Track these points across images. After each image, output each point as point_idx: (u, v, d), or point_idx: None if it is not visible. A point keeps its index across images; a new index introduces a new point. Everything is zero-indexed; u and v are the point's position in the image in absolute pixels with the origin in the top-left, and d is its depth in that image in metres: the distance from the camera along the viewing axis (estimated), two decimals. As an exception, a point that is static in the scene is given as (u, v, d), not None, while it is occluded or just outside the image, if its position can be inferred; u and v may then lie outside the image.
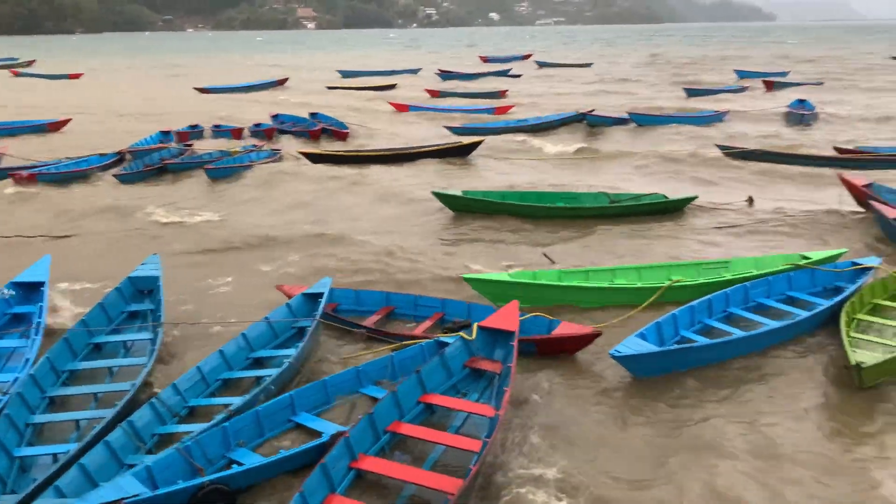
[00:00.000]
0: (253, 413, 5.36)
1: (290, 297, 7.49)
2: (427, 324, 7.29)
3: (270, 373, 6.10)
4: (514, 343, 6.01)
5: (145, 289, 7.80)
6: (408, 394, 5.58)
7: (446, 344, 6.18)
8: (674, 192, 12.29)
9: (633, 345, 6.16)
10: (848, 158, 14.86)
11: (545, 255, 9.32)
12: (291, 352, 6.38)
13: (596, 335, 6.47)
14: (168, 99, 31.35)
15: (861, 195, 10.89)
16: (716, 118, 21.97)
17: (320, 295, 7.23)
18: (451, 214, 11.58)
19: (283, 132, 20.51)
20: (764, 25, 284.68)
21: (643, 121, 21.28)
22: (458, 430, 5.49)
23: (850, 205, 11.27)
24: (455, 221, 11.36)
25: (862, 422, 5.60)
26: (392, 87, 34.67)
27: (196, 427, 5.29)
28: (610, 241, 10.15)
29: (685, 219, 11.39)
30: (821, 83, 32.54)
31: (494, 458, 5.07)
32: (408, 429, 5.30)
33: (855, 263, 8.07)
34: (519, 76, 40.80)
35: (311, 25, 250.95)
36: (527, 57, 57.81)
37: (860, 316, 7.21)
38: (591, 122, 20.77)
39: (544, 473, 4.88)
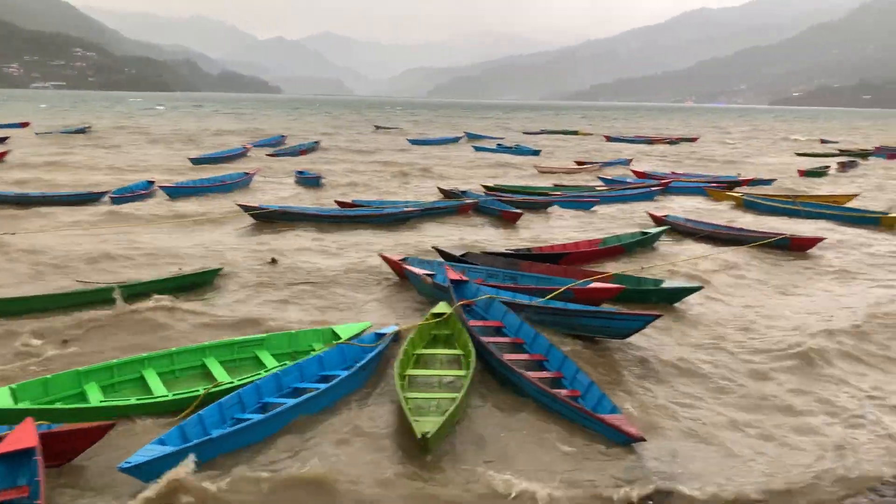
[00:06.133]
0: None
1: None
2: None
3: None
4: (38, 458, 5.22)
5: None
6: None
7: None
8: (205, 263, 12.08)
9: (147, 453, 5.57)
10: (347, 216, 17.46)
11: None
12: None
13: (109, 427, 5.98)
14: None
15: (398, 268, 11.91)
16: (244, 182, 23.09)
17: None
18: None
19: None
20: (270, 97, 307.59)
21: (174, 193, 20.89)
22: None
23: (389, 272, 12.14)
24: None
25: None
26: None
27: None
28: (132, 332, 8.97)
29: (215, 290, 11.09)
30: (316, 145, 39.47)
31: None
32: None
33: (378, 335, 8.48)
34: (5, 139, 36.54)
35: None
36: (25, 125, 51.27)
37: (410, 371, 7.65)
38: (116, 199, 19.53)
39: None
